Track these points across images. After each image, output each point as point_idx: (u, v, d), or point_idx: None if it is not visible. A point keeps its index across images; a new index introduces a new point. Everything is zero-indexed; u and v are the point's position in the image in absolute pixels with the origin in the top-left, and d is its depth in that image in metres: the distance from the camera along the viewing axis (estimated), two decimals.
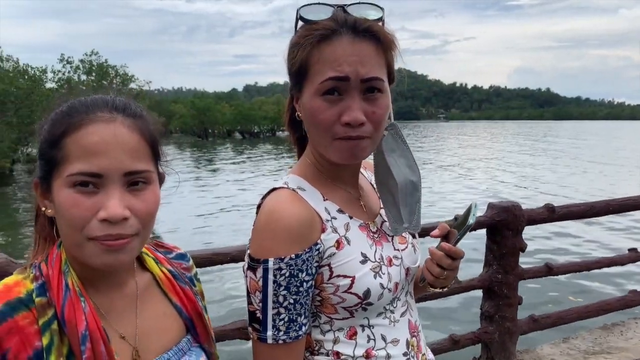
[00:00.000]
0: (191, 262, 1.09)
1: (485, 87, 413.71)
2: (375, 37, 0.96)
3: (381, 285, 1.01)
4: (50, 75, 28.39)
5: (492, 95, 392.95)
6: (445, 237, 1.09)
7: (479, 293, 3.28)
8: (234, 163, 29.35)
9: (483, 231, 3.19)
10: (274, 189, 1.03)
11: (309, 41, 0.96)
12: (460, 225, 1.05)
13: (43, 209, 0.86)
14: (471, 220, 1.02)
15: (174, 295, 0.98)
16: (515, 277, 3.17)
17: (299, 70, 0.99)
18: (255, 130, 71.40)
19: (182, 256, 1.08)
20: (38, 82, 26.87)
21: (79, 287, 0.83)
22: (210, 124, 68.04)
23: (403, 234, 1.14)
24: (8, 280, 0.83)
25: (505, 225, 3.08)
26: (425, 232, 1.30)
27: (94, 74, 28.35)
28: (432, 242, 1.14)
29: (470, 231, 1.08)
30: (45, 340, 0.78)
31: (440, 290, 1.16)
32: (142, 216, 0.83)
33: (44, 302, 0.80)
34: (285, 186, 1.03)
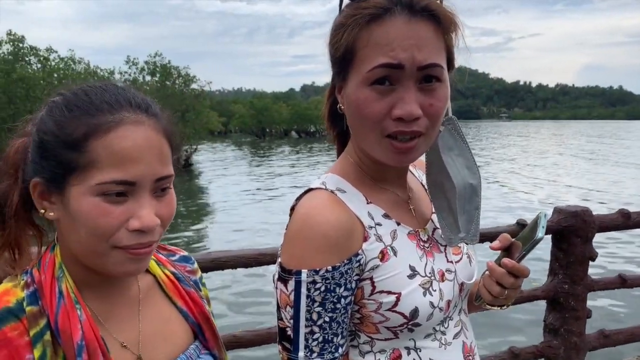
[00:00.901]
0: (196, 265, 1.02)
1: (551, 85, 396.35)
2: (434, 16, 0.82)
3: (431, 304, 0.89)
4: (117, 76, 29.76)
5: (559, 94, 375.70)
6: (507, 249, 0.95)
7: (542, 302, 3.06)
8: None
9: (548, 237, 2.96)
10: (309, 190, 0.92)
11: (357, 21, 0.83)
12: (526, 238, 0.90)
13: (42, 211, 0.78)
14: (540, 234, 0.87)
15: (179, 298, 0.92)
16: (584, 288, 2.92)
17: (343, 56, 0.86)
18: (312, 130, 71.90)
19: (186, 259, 1.02)
20: None
21: (74, 293, 0.77)
22: (268, 123, 69.10)
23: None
24: None
25: (573, 232, 2.84)
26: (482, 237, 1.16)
27: (157, 75, 29.45)
28: (488, 250, 1.00)
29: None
30: (37, 353, 0.72)
31: (498, 309, 1.01)
32: (166, 221, 0.78)
33: (36, 311, 0.74)
34: (323, 187, 0.91)
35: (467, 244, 1.00)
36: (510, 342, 3.07)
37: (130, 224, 0.74)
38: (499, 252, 0.97)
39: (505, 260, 0.91)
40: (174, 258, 1.00)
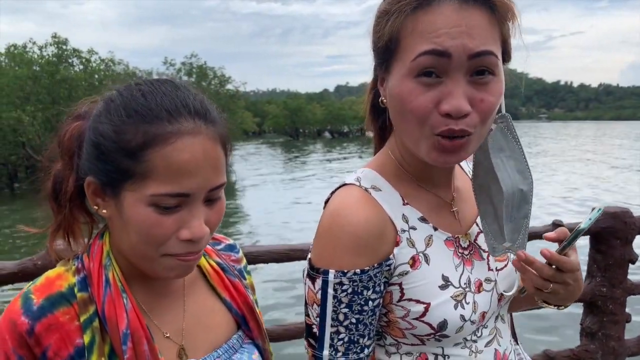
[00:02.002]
0: (241, 253, 1.03)
1: (594, 85, 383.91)
2: (489, 3, 0.75)
3: (462, 317, 0.85)
4: (155, 77, 30.50)
5: (602, 94, 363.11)
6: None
7: (578, 305, 2.98)
8: None
9: (586, 238, 2.87)
10: (344, 185, 0.88)
11: (402, 8, 0.77)
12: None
13: (95, 207, 0.79)
14: (583, 225, 0.82)
15: (223, 290, 0.92)
16: (624, 291, 2.82)
17: (386, 45, 0.80)
18: (345, 130, 71.81)
19: (231, 247, 1.02)
20: None
21: (121, 282, 0.78)
22: (302, 123, 69.45)
23: None
24: (51, 272, 0.80)
25: (612, 234, 2.75)
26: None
27: (194, 76, 29.99)
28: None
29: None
30: (86, 338, 0.74)
31: (556, 308, 0.94)
32: (214, 227, 0.79)
33: (86, 298, 0.76)
34: (357, 183, 0.87)
35: (512, 253, 0.92)
36: (545, 345, 2.99)
37: (181, 234, 0.74)
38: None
39: (544, 249, 0.85)
40: (219, 247, 1.01)
